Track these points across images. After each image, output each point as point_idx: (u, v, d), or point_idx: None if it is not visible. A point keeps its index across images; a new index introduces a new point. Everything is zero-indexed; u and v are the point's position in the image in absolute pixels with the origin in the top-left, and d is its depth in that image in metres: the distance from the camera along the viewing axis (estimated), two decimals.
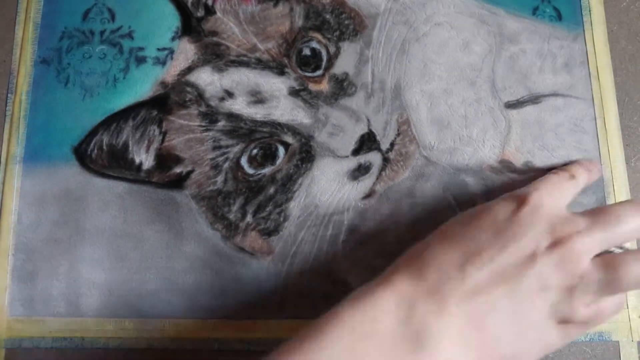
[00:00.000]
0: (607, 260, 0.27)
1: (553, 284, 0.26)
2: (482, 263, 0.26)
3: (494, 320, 0.25)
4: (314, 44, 0.37)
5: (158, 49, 0.37)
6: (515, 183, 0.36)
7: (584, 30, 0.38)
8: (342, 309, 0.26)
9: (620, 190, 0.36)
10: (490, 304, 0.25)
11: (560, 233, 0.27)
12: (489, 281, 0.26)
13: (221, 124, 0.36)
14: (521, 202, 0.28)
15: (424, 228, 0.35)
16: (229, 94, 0.36)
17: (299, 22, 0.38)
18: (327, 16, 0.38)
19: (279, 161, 0.35)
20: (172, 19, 0.38)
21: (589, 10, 0.39)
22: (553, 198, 0.29)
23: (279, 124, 0.36)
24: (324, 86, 0.36)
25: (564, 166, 0.34)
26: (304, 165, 0.35)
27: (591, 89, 0.37)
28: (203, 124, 0.36)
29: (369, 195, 0.35)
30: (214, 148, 0.35)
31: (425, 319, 0.25)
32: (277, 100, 0.36)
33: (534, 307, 0.26)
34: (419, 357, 0.24)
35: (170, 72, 0.37)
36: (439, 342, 0.24)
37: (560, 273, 0.26)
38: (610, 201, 0.36)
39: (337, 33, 0.37)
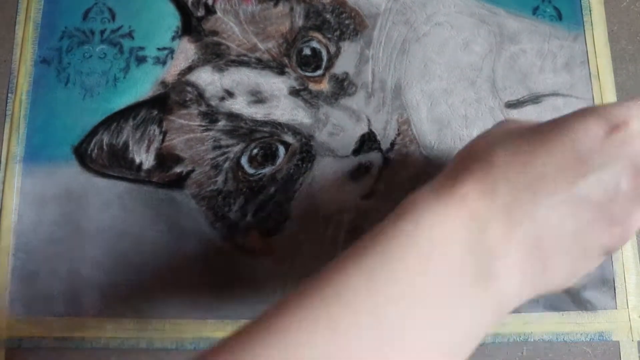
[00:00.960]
0: None
1: (622, 223, 0.23)
2: (556, 191, 0.22)
3: (557, 251, 0.23)
4: (314, 44, 0.37)
5: (158, 49, 0.37)
6: None
7: (584, 30, 0.38)
8: (393, 225, 0.22)
9: None
10: (557, 235, 0.23)
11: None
12: (560, 210, 0.22)
13: (221, 123, 0.36)
14: (614, 128, 0.22)
15: None
16: (229, 94, 0.36)
17: (299, 21, 0.38)
18: (328, 16, 0.38)
19: (279, 161, 0.35)
20: (172, 19, 0.38)
21: (589, 10, 0.39)
22: None
23: (279, 124, 0.36)
24: (325, 86, 0.36)
25: None
26: (304, 165, 0.35)
27: (591, 89, 0.37)
28: (203, 123, 0.36)
29: (369, 195, 0.35)
30: (214, 148, 0.35)
31: (494, 245, 0.22)
32: (278, 100, 0.36)
33: (596, 240, 0.23)
34: (482, 290, 0.21)
35: (171, 71, 0.37)
36: (504, 272, 0.22)
37: (633, 215, 0.23)
38: None
39: (338, 33, 0.37)
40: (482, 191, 0.22)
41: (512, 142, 0.24)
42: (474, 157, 0.24)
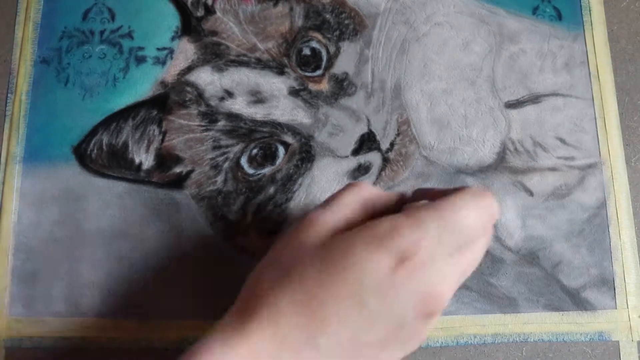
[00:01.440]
0: None
1: (410, 340, 0.23)
2: (337, 334, 0.22)
3: None
4: (314, 44, 0.37)
5: (158, 49, 0.37)
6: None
7: (584, 30, 0.38)
8: None
9: (620, 190, 0.36)
10: None
11: (432, 302, 0.22)
12: (338, 351, 0.22)
13: (221, 123, 0.36)
14: (402, 258, 0.22)
15: None
16: (229, 94, 0.36)
17: (299, 21, 0.38)
18: (327, 16, 0.38)
19: (278, 161, 0.35)
20: (172, 19, 0.38)
21: (589, 10, 0.39)
22: (435, 246, 0.22)
23: (279, 124, 0.36)
24: (324, 86, 0.36)
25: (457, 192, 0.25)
26: (303, 165, 0.35)
27: (591, 89, 0.37)
28: (203, 123, 0.36)
29: None
30: (214, 148, 0.35)
31: None
32: (277, 100, 0.36)
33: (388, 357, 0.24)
34: None
35: (170, 71, 0.37)
36: None
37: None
38: (610, 201, 0.36)
39: (337, 33, 0.37)
40: (271, 345, 0.22)
41: (296, 287, 0.23)
42: (260, 300, 0.23)
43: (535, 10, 0.38)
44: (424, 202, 0.24)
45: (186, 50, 0.37)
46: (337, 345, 0.22)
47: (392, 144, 0.36)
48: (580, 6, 0.39)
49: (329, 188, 0.35)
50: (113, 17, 0.38)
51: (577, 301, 0.34)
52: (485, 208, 0.24)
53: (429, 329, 0.23)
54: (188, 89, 0.36)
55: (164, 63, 0.37)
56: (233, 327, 0.23)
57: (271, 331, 0.22)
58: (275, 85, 0.36)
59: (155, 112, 0.36)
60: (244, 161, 0.35)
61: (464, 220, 0.23)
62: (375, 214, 0.25)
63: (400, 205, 0.26)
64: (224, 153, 0.35)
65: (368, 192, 0.26)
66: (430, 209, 0.23)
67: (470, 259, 0.24)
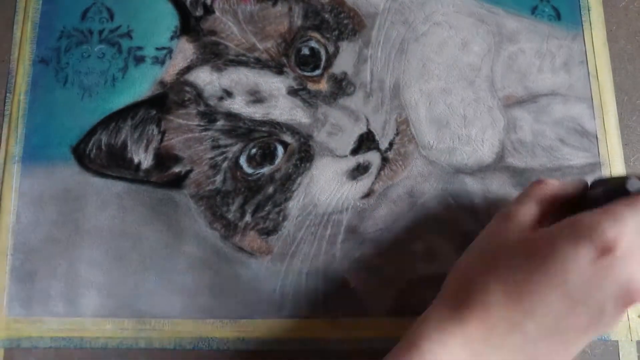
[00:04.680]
0: None
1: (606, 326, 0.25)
2: (543, 320, 0.24)
3: None
4: (313, 44, 0.37)
5: (157, 49, 0.37)
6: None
7: (583, 30, 0.38)
8: None
9: None
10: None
11: (632, 293, 0.24)
12: (543, 334, 0.25)
13: (220, 123, 0.36)
14: (603, 250, 0.23)
15: (423, 227, 0.35)
16: (228, 94, 0.36)
17: (298, 21, 0.38)
18: (326, 15, 0.38)
19: (277, 161, 0.35)
20: (170, 19, 0.38)
21: (588, 10, 0.39)
22: (635, 238, 0.24)
23: (278, 124, 0.36)
24: (323, 86, 0.36)
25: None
26: (302, 165, 0.35)
27: (590, 89, 0.37)
28: (202, 123, 0.36)
29: (368, 194, 0.35)
30: (213, 147, 0.35)
31: None
32: (276, 100, 0.36)
33: (579, 339, 0.26)
34: None
35: (169, 71, 0.37)
36: None
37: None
38: None
39: (336, 32, 0.37)
40: (483, 331, 0.25)
41: (505, 278, 0.25)
42: (471, 289, 0.26)
43: (534, 10, 0.38)
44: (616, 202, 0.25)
45: (185, 50, 0.37)
46: (542, 329, 0.24)
47: (391, 144, 0.36)
48: (579, 6, 0.39)
49: (327, 188, 0.35)
50: (112, 17, 0.38)
51: None
52: None
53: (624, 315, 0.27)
54: (187, 88, 0.36)
55: (162, 63, 0.37)
56: (449, 315, 0.26)
57: (483, 318, 0.25)
58: (274, 84, 0.36)
59: (154, 112, 0.36)
60: (242, 161, 0.35)
61: None
62: (560, 206, 0.28)
63: (581, 195, 0.29)
64: (223, 153, 0.35)
65: (552, 187, 0.29)
66: (628, 204, 0.24)
67: None
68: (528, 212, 0.27)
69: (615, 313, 0.24)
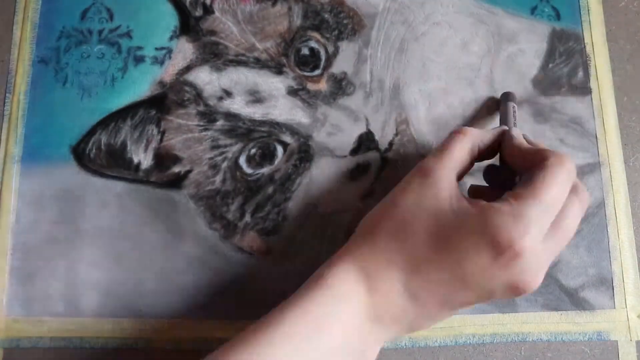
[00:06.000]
0: None
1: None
2: (434, 292, 0.27)
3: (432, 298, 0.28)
4: (313, 44, 0.37)
5: (156, 49, 0.37)
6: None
7: (582, 30, 0.38)
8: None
9: (618, 190, 0.36)
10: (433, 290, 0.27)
11: (521, 290, 0.26)
12: (432, 301, 0.27)
13: (219, 123, 0.36)
14: (504, 251, 0.25)
15: None
16: (228, 94, 0.36)
17: (297, 21, 0.37)
18: (326, 15, 0.38)
19: (277, 161, 0.35)
20: (170, 19, 0.38)
21: (588, 10, 0.39)
22: (535, 241, 0.26)
23: (278, 124, 0.36)
24: (323, 86, 0.36)
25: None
26: (302, 165, 0.35)
27: (590, 89, 0.37)
28: (201, 123, 0.36)
29: (367, 195, 0.35)
30: (213, 147, 0.35)
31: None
32: (276, 100, 0.36)
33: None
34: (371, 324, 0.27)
35: (169, 71, 0.37)
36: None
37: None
38: (608, 201, 0.36)
39: (336, 32, 0.37)
40: (381, 297, 0.27)
41: (410, 250, 0.27)
42: (376, 249, 0.28)
43: (533, 10, 0.38)
44: (525, 190, 0.26)
45: (185, 50, 0.37)
46: (432, 298, 0.27)
47: (390, 144, 0.36)
48: (579, 6, 0.39)
49: (327, 188, 0.35)
50: (111, 17, 0.38)
51: (575, 301, 0.34)
52: (571, 174, 0.27)
53: None
54: (186, 88, 0.36)
55: (162, 63, 0.37)
56: (354, 271, 0.28)
57: (384, 279, 0.27)
58: (274, 84, 0.36)
59: (153, 112, 0.36)
60: (242, 161, 0.35)
61: (555, 196, 0.26)
62: (479, 154, 0.31)
63: (500, 141, 0.31)
64: (223, 153, 0.35)
65: (472, 137, 0.30)
66: (533, 202, 0.26)
67: (564, 230, 0.27)
68: (445, 171, 0.28)
69: (504, 298, 0.29)
